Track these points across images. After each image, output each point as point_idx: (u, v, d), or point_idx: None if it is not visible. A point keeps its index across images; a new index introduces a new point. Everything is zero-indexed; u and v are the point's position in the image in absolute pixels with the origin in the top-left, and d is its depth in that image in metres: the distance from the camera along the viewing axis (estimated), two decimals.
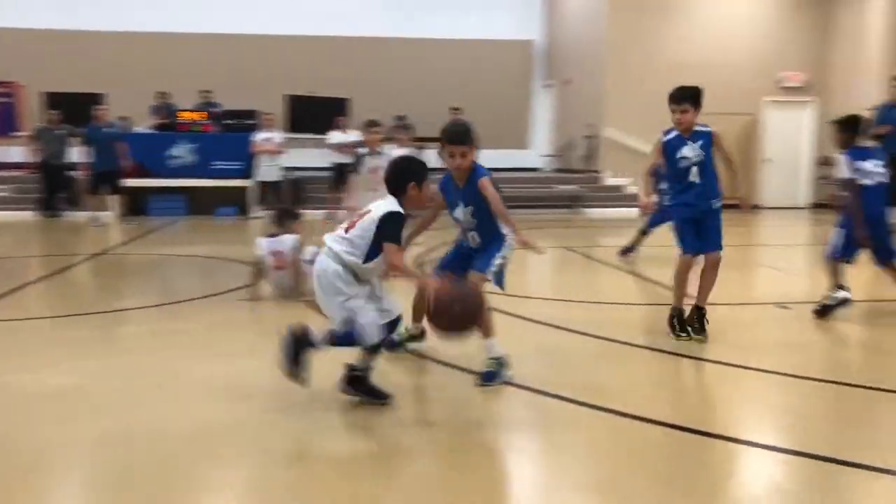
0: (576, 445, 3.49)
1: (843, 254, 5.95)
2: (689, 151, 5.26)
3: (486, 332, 4.29)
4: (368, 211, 3.80)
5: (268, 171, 14.40)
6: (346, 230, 3.78)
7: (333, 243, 3.77)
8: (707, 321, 5.26)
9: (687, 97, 5.28)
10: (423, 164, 3.94)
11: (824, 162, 16.96)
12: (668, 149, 5.31)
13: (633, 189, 16.72)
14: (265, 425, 3.66)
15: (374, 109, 17.95)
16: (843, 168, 5.93)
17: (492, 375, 4.25)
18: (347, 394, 3.88)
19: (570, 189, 16.06)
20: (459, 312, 3.66)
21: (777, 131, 17.55)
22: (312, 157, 15.72)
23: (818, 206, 17.35)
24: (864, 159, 5.86)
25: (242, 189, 14.76)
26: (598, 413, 3.81)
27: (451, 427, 3.73)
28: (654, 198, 5.48)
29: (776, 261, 9.90)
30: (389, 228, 3.71)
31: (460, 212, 4.46)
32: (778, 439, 3.63)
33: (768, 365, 4.74)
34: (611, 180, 16.83)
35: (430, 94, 18.80)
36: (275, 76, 17.85)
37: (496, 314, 5.99)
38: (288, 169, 15.10)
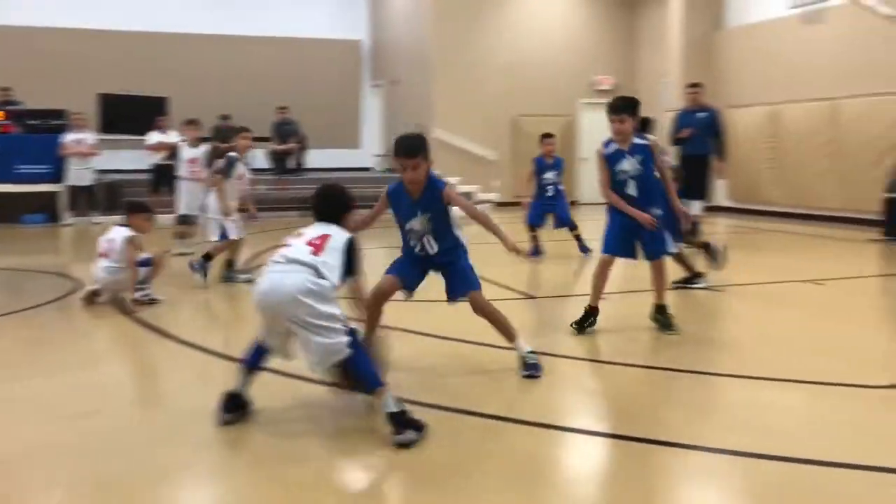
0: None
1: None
2: (628, 165, 5.30)
3: (508, 335, 4.46)
4: (325, 234, 3.61)
5: (79, 174, 13.51)
6: (315, 252, 3.54)
7: (312, 262, 3.50)
8: (671, 316, 5.43)
9: (625, 107, 5.30)
10: (349, 193, 3.86)
11: None
12: (609, 162, 5.37)
13: (463, 188, 17.14)
14: (105, 444, 3.42)
15: (196, 109, 17.32)
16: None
17: (534, 367, 4.37)
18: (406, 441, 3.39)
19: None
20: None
21: (592, 132, 18.57)
22: (128, 159, 14.90)
23: None
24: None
25: (52, 194, 13.73)
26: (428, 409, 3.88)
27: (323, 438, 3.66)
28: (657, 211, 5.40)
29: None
30: (356, 257, 3.65)
31: (416, 221, 4.37)
32: (591, 424, 3.85)
33: (581, 353, 5.02)
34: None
35: (257, 93, 18.32)
36: (85, 73, 16.69)
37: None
38: (101, 172, 14.22)
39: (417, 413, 3.52)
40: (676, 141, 10.20)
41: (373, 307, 4.28)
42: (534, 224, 9.44)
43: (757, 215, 14.43)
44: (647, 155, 5.32)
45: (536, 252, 9.23)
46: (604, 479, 3.26)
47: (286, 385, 4.17)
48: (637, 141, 5.35)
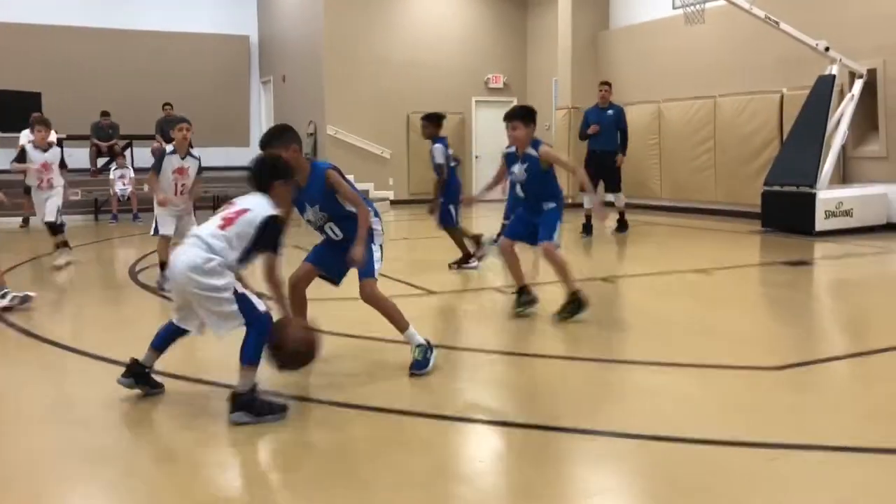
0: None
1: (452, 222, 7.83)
2: (517, 169, 5.59)
3: (399, 326, 4.37)
4: (244, 209, 3.69)
5: None
6: (223, 227, 3.64)
7: (209, 238, 3.61)
8: (582, 301, 5.49)
9: (515, 115, 5.54)
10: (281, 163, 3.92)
11: None
12: (507, 162, 5.73)
13: (358, 186, 16.96)
14: None
15: (73, 105, 16.48)
16: (437, 154, 7.91)
17: (421, 364, 4.26)
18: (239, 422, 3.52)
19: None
20: (302, 353, 3.82)
21: (485, 129, 18.78)
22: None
23: None
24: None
25: None
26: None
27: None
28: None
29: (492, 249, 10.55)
30: (270, 234, 3.68)
31: (310, 212, 4.31)
32: (491, 414, 3.84)
33: (494, 345, 5.01)
34: None
35: (140, 89, 17.61)
36: None
37: None
38: None
39: (316, 410, 3.41)
40: (585, 136, 10.95)
41: (292, 292, 4.36)
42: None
43: (644, 209, 14.92)
44: (533, 164, 5.53)
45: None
46: (502, 469, 3.24)
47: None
48: (529, 151, 5.55)
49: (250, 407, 3.54)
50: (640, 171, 14.98)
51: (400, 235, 12.17)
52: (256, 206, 3.71)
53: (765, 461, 3.13)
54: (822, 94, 10.84)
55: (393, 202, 17.21)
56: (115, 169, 14.40)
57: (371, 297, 4.35)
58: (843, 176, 11.66)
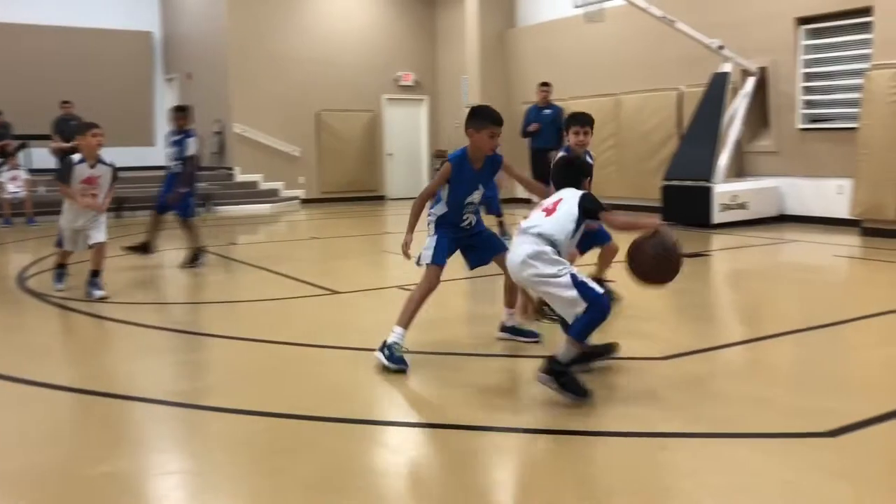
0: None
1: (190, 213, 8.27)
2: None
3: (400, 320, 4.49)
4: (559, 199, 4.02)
5: None
6: (547, 215, 3.97)
7: (538, 230, 3.92)
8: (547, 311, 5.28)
9: (589, 121, 5.39)
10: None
11: (439, 155, 18.58)
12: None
13: (266, 185, 16.70)
14: None
15: None
16: (191, 146, 8.04)
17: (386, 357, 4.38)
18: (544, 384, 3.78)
19: (200, 187, 15.46)
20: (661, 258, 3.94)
21: (397, 127, 18.77)
22: None
23: None
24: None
25: None
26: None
27: None
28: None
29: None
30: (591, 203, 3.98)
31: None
32: (400, 415, 3.85)
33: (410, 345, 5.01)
34: (242, 177, 16.62)
35: (36, 86, 16.85)
36: None
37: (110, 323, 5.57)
38: None
39: (220, 420, 3.33)
40: (526, 134, 11.24)
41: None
42: None
43: None
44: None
45: None
46: (410, 471, 3.25)
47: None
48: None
49: (560, 376, 3.73)
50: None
51: (309, 235, 12.04)
52: (567, 194, 4.01)
53: (657, 449, 3.23)
54: (717, 91, 11.27)
55: (304, 201, 17.02)
56: (7, 170, 13.74)
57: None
58: (739, 170, 12.15)
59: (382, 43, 18.25)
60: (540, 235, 3.87)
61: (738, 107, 11.40)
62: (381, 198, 18.41)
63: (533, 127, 11.12)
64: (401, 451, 3.36)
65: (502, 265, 4.47)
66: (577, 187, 4.12)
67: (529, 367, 4.49)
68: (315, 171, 17.46)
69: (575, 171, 4.27)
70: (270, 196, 16.43)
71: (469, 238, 4.76)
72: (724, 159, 11.20)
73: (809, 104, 11.31)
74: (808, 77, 11.29)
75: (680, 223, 11.13)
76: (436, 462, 3.27)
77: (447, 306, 6.51)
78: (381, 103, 18.37)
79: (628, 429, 3.44)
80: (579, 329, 3.75)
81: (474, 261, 4.84)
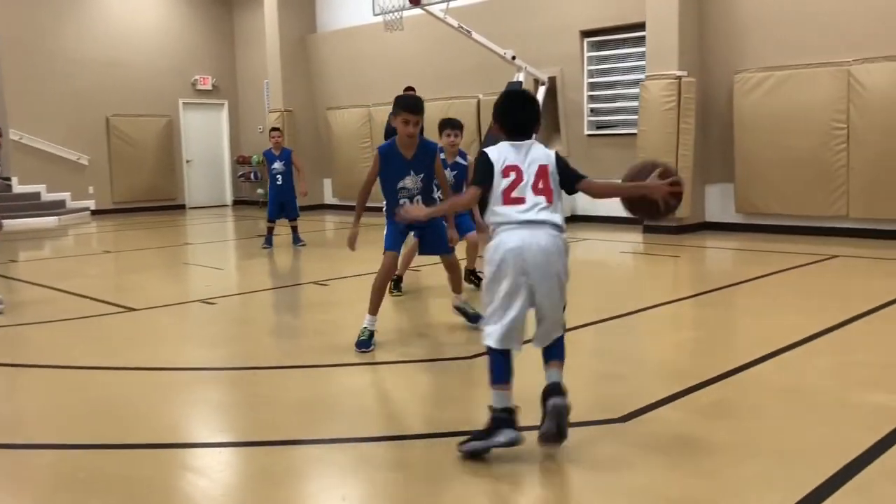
0: None
1: None
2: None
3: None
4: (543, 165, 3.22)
5: None
6: (549, 198, 3.19)
7: (551, 216, 3.16)
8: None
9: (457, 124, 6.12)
10: None
11: (242, 161, 18.05)
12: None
13: (50, 196, 15.42)
14: None
15: None
16: None
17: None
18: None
19: None
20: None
21: (196, 132, 18.02)
22: None
23: (239, 202, 18.40)
24: None
25: None
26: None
27: None
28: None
29: (203, 259, 10.16)
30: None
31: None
32: (214, 434, 3.71)
33: (199, 362, 4.81)
34: (21, 187, 15.23)
35: None
36: None
37: None
38: None
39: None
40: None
41: None
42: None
43: (365, 212, 15.25)
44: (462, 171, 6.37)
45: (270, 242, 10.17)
46: (219, 493, 3.11)
47: None
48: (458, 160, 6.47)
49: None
50: (355, 174, 15.29)
51: (101, 248, 11.25)
52: (543, 156, 3.23)
53: (451, 448, 3.32)
54: None
55: (94, 212, 15.89)
56: None
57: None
58: None
59: (177, 45, 17.46)
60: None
61: None
62: (181, 206, 17.59)
63: None
64: (208, 473, 3.22)
65: (445, 264, 5.20)
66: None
67: (348, 379, 4.47)
68: (106, 180, 16.37)
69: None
70: (56, 208, 15.19)
71: (420, 229, 5.05)
72: None
73: (595, 111, 12.15)
74: (593, 86, 12.12)
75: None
76: (245, 482, 3.16)
77: (251, 320, 6.35)
78: (179, 108, 17.56)
79: (435, 430, 3.50)
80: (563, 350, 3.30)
81: (423, 250, 5.31)
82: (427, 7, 11.05)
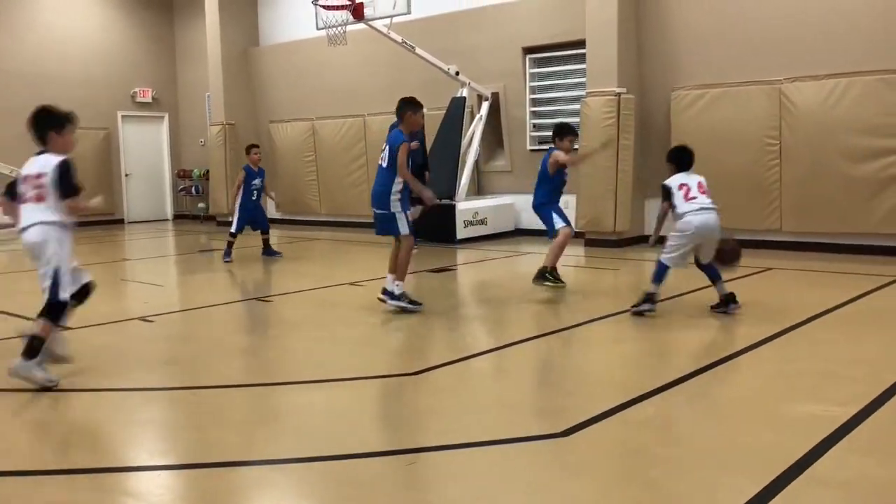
0: None
1: None
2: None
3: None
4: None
5: None
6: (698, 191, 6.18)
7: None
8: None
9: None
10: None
11: (182, 175, 17.75)
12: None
13: None
14: None
15: None
16: None
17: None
18: None
19: None
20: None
21: (135, 146, 17.66)
22: None
23: (180, 217, 18.07)
24: None
25: None
26: None
27: None
28: None
29: (143, 275, 9.95)
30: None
31: None
32: (154, 457, 3.63)
33: (137, 382, 4.71)
34: None
35: None
36: None
37: None
38: None
39: None
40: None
41: None
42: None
43: (305, 225, 15.14)
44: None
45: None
46: None
47: None
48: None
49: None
50: (299, 188, 15.19)
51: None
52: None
53: (403, 463, 3.32)
54: (456, 114, 11.89)
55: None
56: None
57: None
58: (478, 188, 12.89)
59: (116, 57, 17.12)
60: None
61: (475, 129, 12.10)
62: (120, 221, 17.20)
63: (415, 144, 10.90)
64: (146, 498, 3.15)
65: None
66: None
67: (291, 398, 4.42)
68: None
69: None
70: None
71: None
72: (465, 179, 11.83)
73: (537, 127, 12.31)
74: (535, 102, 12.29)
75: (427, 240, 11.57)
76: None
77: (192, 338, 6.24)
78: (117, 120, 17.20)
79: (380, 448, 3.49)
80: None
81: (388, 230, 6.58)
82: (370, 22, 11.06)
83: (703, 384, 4.38)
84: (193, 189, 17.42)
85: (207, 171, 16.49)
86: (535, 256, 10.28)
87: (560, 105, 12.06)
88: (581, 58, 11.22)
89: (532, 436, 3.55)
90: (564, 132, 7.25)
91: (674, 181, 6.09)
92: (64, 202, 4.43)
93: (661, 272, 6.01)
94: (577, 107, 11.17)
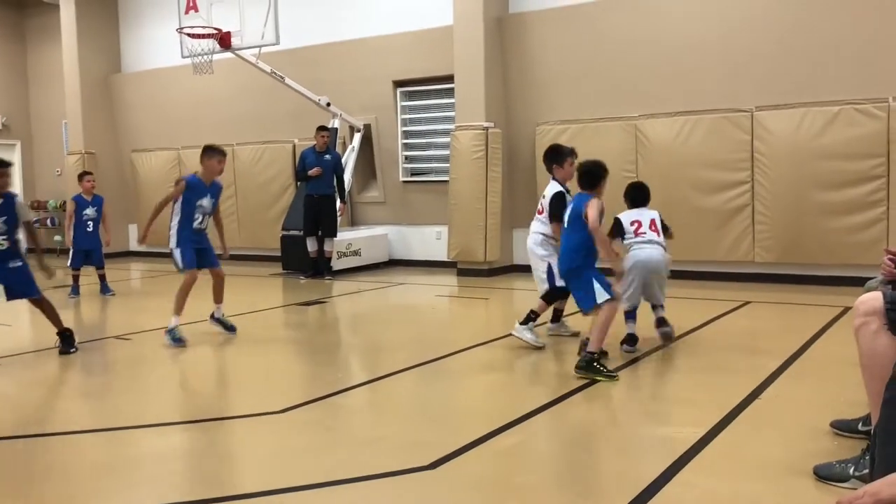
0: None
1: None
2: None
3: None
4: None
5: None
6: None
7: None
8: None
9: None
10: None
11: (36, 206, 16.76)
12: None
13: None
14: None
15: None
16: None
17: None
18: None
19: None
20: None
21: None
22: None
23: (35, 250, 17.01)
24: None
25: None
26: None
27: None
28: None
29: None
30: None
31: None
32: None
33: None
34: None
35: None
36: None
37: None
38: None
39: None
40: (304, 178, 11.04)
41: None
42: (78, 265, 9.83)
43: (168, 258, 14.59)
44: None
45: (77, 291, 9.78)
46: None
47: None
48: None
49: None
50: (162, 219, 14.63)
51: None
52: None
53: None
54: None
55: None
56: None
57: None
58: (352, 219, 12.87)
59: None
60: None
61: (347, 160, 12.10)
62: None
63: (315, 171, 10.82)
64: None
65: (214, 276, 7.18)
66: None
67: (151, 441, 4.24)
68: None
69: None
70: None
71: None
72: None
73: (409, 159, 12.45)
74: (407, 135, 12.43)
75: (299, 272, 11.42)
76: None
77: (43, 380, 5.92)
78: None
79: (254, 489, 3.41)
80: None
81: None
82: (238, 52, 10.91)
83: (561, 412, 4.53)
84: (49, 221, 16.48)
85: (64, 203, 15.64)
86: (407, 287, 10.36)
87: (431, 138, 12.26)
88: (450, 92, 11.48)
89: (399, 470, 3.56)
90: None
91: (626, 216, 6.03)
92: None
93: (625, 314, 5.89)
94: (447, 140, 11.39)
